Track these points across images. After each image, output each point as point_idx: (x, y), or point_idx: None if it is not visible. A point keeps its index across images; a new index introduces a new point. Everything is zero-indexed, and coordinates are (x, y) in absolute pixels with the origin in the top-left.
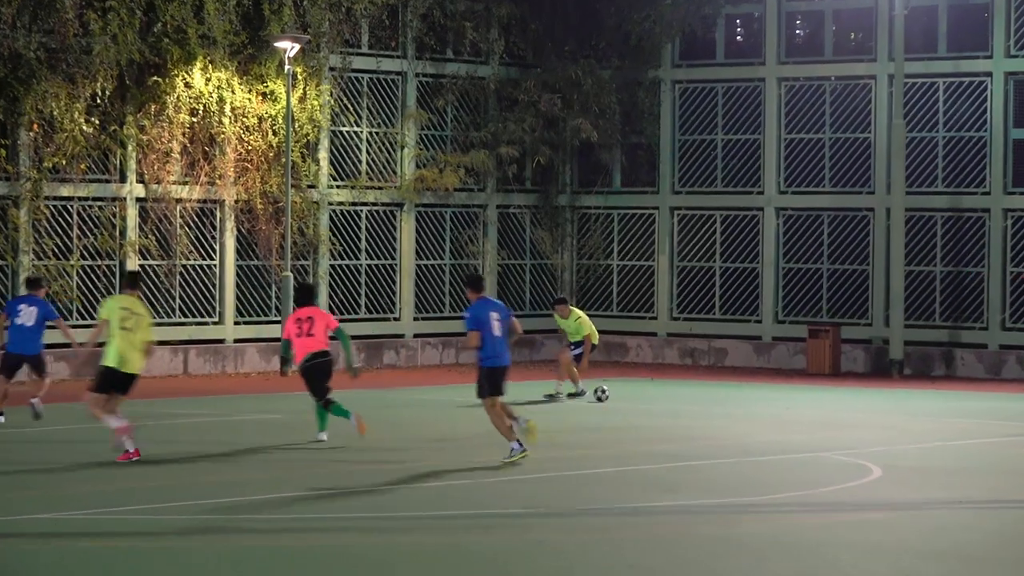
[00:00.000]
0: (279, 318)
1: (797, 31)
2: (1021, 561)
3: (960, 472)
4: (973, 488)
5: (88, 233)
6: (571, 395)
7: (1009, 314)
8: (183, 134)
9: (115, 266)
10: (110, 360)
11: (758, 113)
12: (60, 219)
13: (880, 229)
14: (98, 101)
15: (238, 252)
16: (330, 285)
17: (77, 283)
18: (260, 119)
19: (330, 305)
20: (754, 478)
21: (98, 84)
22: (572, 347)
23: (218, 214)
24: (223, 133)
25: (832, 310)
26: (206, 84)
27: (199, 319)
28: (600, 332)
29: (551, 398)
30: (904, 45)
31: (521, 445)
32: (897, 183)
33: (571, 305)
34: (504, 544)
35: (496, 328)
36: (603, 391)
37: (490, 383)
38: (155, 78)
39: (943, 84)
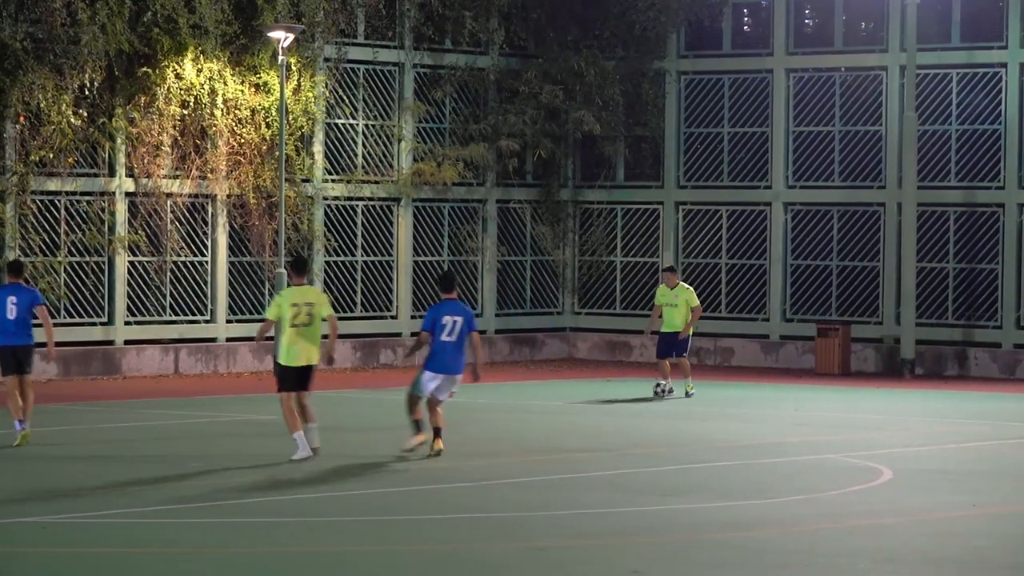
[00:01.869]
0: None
1: (806, 21)
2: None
3: (973, 475)
4: (986, 492)
5: (76, 228)
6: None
7: None
8: (174, 127)
9: (104, 262)
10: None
11: (766, 105)
12: (47, 214)
13: (891, 225)
14: (86, 93)
15: (230, 248)
16: (325, 282)
17: (64, 280)
18: (253, 111)
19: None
20: (762, 481)
21: (86, 75)
22: (663, 340)
23: (210, 209)
24: (215, 126)
25: (842, 308)
26: (197, 75)
27: (190, 317)
28: (602, 331)
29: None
30: (916, 35)
31: None
32: (909, 177)
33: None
34: (504, 551)
35: (11, 311)
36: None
37: None
38: (145, 69)
39: (956, 75)
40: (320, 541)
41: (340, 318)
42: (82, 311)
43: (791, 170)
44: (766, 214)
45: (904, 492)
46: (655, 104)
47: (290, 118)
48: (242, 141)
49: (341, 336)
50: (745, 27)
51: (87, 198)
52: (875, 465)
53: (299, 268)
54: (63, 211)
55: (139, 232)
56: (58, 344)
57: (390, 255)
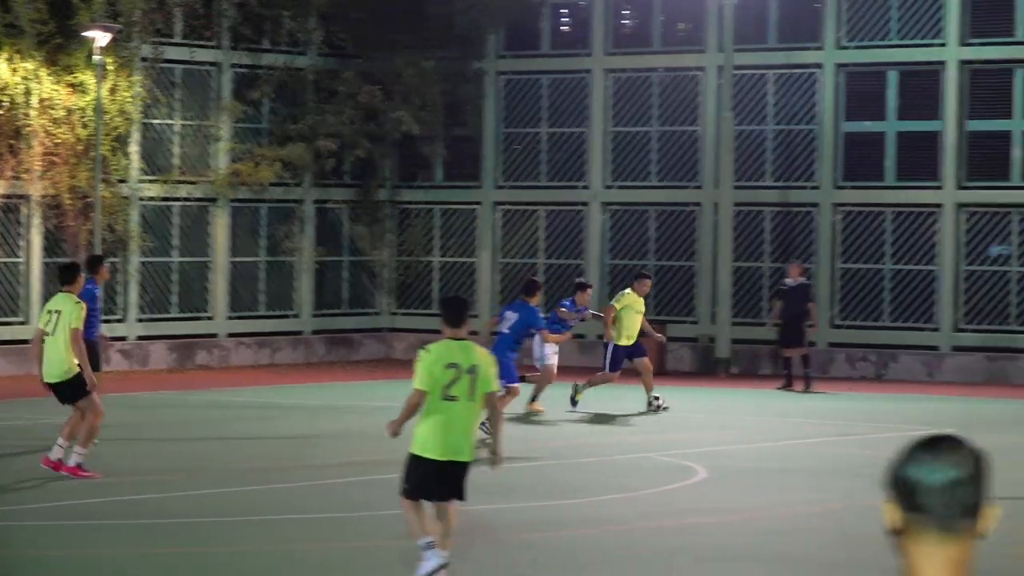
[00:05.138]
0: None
1: (624, 21)
2: (847, 564)
3: (785, 473)
4: (798, 490)
5: None
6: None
7: (838, 311)
8: None
9: None
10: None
11: (584, 105)
12: None
13: (707, 224)
14: None
15: (45, 249)
16: (141, 283)
17: None
18: (69, 111)
19: (141, 304)
20: (580, 481)
21: None
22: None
23: (24, 210)
24: (30, 125)
25: (659, 307)
26: (12, 74)
27: (3, 318)
28: (419, 331)
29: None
30: (734, 35)
31: None
32: (725, 177)
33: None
34: (333, 550)
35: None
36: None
37: None
38: None
39: (773, 76)
40: (165, 542)
41: (155, 319)
42: None
43: (609, 170)
44: (584, 214)
45: (718, 490)
46: (474, 104)
47: (106, 118)
48: (57, 141)
49: (155, 337)
50: (564, 27)
51: None
52: (691, 464)
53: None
54: None
55: None
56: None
57: (207, 256)
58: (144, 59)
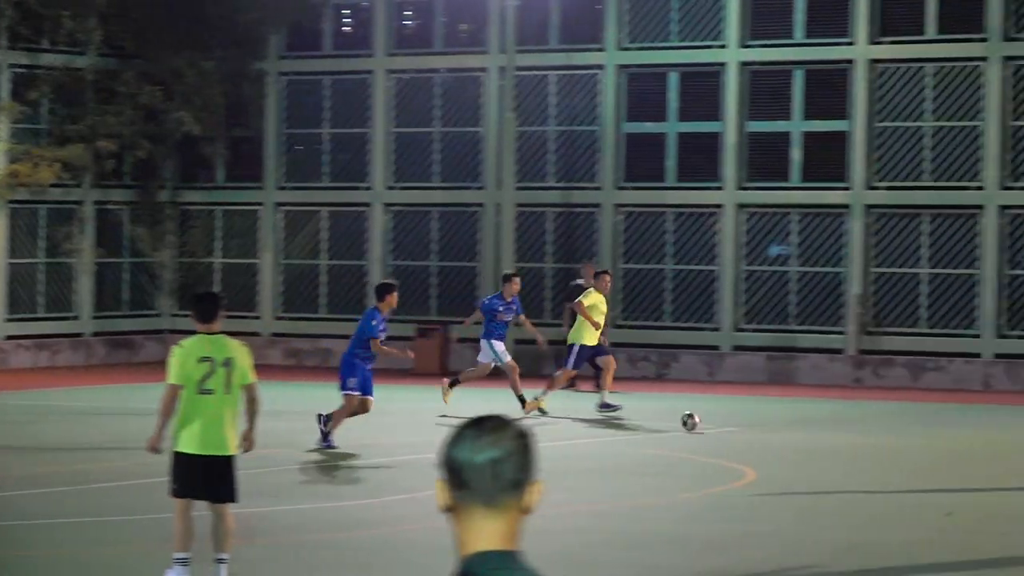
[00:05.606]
0: None
1: (407, 22)
2: (627, 564)
3: (561, 473)
4: (573, 489)
5: None
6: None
7: (620, 311)
8: None
9: None
10: None
11: (367, 107)
12: None
13: (490, 225)
14: None
15: None
16: None
17: None
18: None
19: None
20: (364, 481)
21: None
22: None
23: None
24: None
25: (442, 308)
26: None
27: None
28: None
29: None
30: (516, 37)
31: None
32: (507, 178)
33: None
34: (121, 553)
35: None
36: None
37: None
38: None
39: (555, 77)
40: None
41: None
42: None
43: (391, 171)
44: (366, 215)
45: None
46: (255, 105)
47: None
48: None
49: None
50: (346, 28)
51: None
52: None
53: None
54: None
55: None
56: None
57: None
58: None
